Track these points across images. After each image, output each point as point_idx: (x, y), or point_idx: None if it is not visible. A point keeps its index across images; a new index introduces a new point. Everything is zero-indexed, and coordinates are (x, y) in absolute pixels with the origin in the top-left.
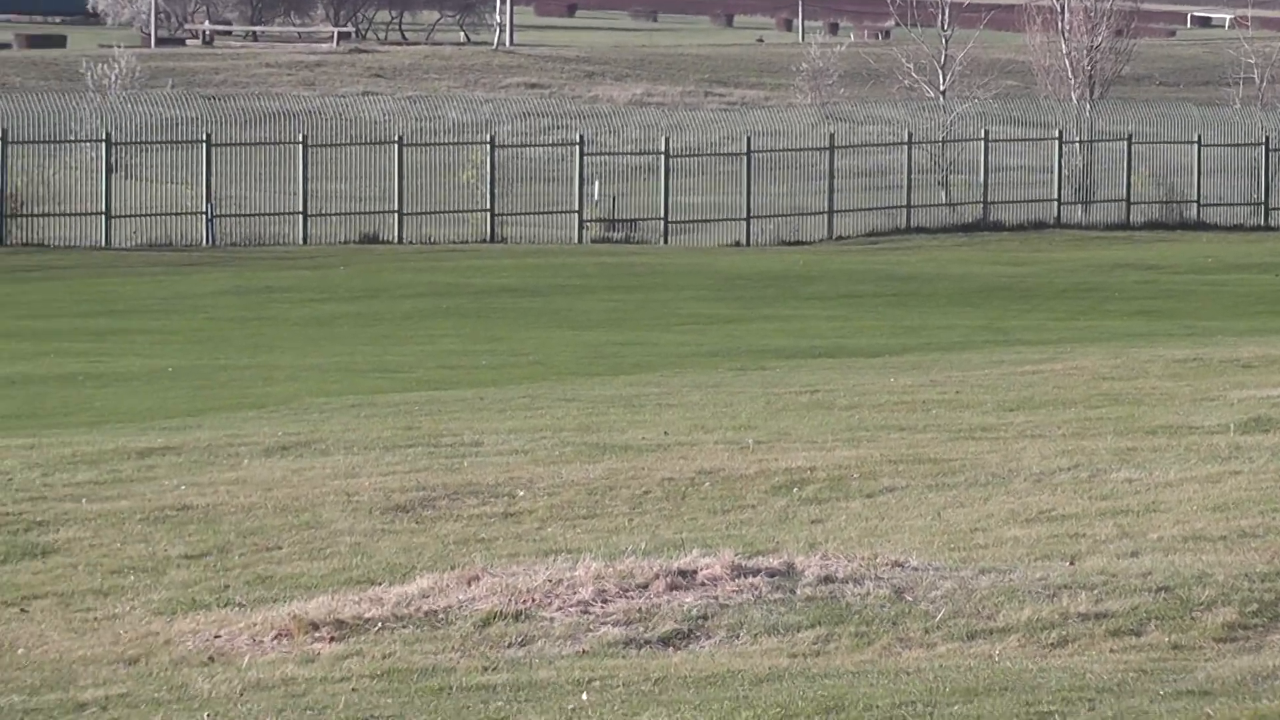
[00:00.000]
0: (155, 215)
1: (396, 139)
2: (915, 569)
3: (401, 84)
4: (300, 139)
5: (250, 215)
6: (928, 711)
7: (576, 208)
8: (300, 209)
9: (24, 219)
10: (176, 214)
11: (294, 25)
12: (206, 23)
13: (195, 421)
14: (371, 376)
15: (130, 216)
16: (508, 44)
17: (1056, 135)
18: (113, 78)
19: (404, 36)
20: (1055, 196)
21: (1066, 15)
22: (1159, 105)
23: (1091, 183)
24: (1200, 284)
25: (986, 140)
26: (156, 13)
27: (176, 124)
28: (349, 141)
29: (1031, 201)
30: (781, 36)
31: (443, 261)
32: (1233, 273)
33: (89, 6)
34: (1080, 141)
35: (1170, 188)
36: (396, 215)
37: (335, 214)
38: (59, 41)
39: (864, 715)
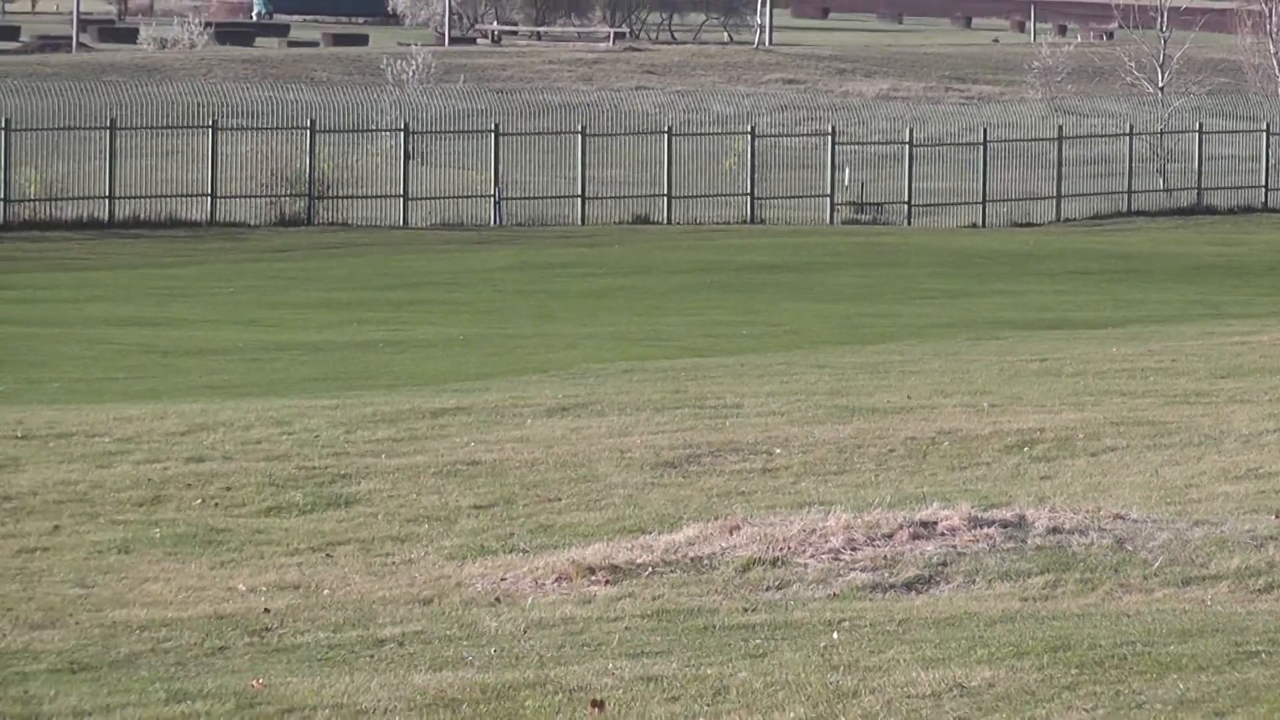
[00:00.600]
0: (448, 198)
1: (666, 129)
2: (1135, 521)
3: (671, 79)
4: (579, 129)
5: (533, 198)
6: (1146, 650)
7: (829, 192)
8: (579, 192)
9: (330, 201)
10: (467, 196)
11: (574, 26)
12: (495, 23)
13: (484, 384)
14: (642, 344)
15: (425, 199)
16: (767, 43)
17: (1264, 128)
18: (410, 73)
19: (673, 36)
20: (1263, 183)
21: (1275, 18)
22: None
23: None
24: None
25: (1200, 132)
26: (450, 14)
27: (468, 115)
28: (623, 131)
29: (1241, 188)
30: (1015, 37)
31: (707, 241)
32: None
33: (389, 8)
34: None
35: None
36: (666, 198)
37: (610, 197)
38: (361, 40)
39: (1089, 654)
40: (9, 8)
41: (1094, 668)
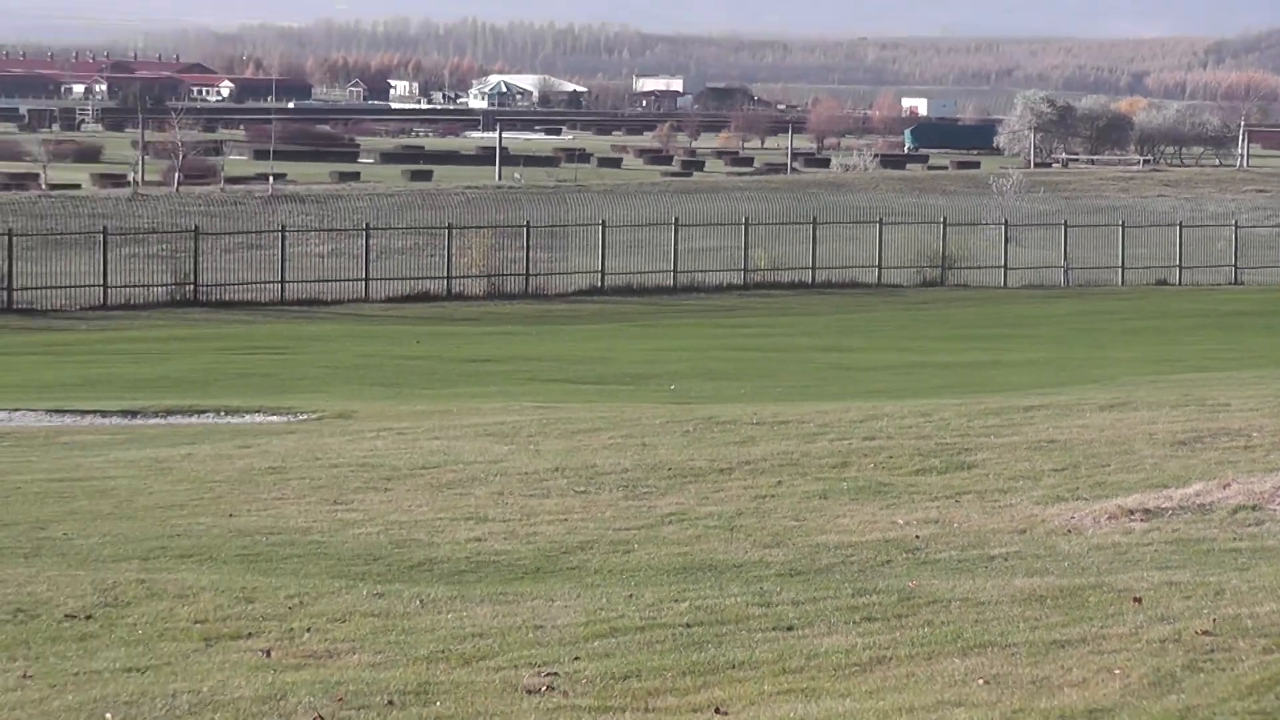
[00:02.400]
0: (1033, 267)
1: (1178, 223)
2: None
3: (1180, 190)
4: (1119, 223)
5: (1088, 268)
6: None
7: None
8: (1119, 264)
9: (955, 269)
10: (1046, 267)
11: (1116, 154)
12: (1064, 153)
13: (1057, 390)
14: (1161, 365)
15: (1018, 268)
16: (1245, 165)
17: None
18: (1008, 186)
19: (1182, 161)
20: None
21: None
22: None
23: None
24: None
25: None
26: (1035, 147)
27: (1045, 214)
28: (1148, 224)
29: None
30: None
31: (1205, 295)
32: None
33: (994, 144)
34: None
35: None
36: (1178, 268)
37: (1139, 267)
38: (975, 164)
39: None
40: (745, 145)
41: None
